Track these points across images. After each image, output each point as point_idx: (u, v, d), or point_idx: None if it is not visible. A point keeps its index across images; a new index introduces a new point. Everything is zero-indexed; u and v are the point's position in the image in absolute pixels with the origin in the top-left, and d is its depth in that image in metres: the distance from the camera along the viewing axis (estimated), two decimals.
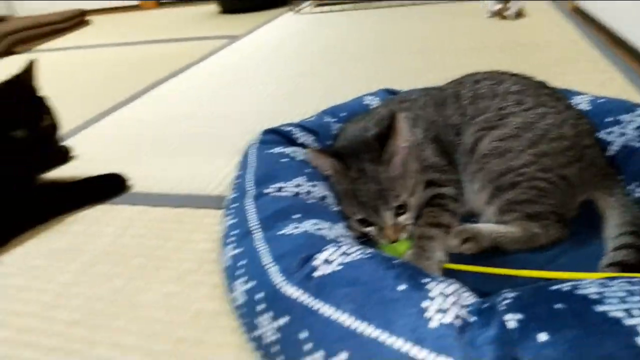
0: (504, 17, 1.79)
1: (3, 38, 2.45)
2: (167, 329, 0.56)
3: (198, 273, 0.65)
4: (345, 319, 0.38)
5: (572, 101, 0.71)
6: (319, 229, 0.50)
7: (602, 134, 0.66)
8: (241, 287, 0.47)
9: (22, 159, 0.82)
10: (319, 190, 0.60)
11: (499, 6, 1.81)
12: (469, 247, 0.58)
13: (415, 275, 0.41)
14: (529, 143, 0.59)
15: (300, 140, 0.72)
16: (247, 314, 0.46)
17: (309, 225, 0.51)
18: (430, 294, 0.38)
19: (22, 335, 0.59)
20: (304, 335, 0.39)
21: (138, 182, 0.93)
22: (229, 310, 0.56)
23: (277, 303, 0.43)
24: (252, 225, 0.53)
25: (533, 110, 0.61)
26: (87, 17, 3.17)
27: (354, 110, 0.83)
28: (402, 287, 0.39)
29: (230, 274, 0.51)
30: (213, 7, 2.98)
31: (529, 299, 0.36)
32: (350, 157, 0.59)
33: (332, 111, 0.84)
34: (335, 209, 0.60)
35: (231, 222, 0.57)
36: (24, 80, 0.86)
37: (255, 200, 0.58)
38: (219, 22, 2.64)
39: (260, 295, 0.45)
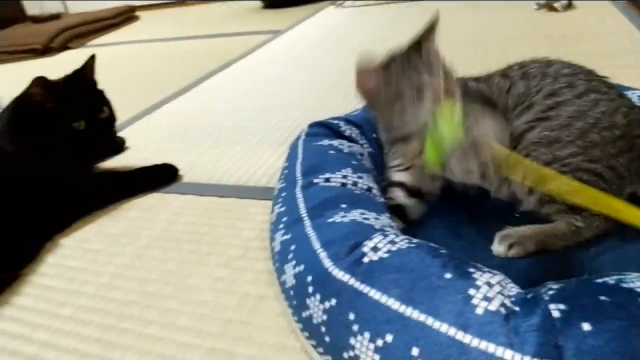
0: (553, 9, 1.73)
1: (59, 34, 2.59)
2: (215, 311, 0.60)
3: (244, 259, 0.68)
4: (392, 303, 0.40)
5: None
6: (366, 218, 0.52)
7: None
8: (291, 270, 0.50)
9: (82, 149, 0.88)
10: (365, 181, 0.62)
11: None
12: (515, 251, 0.57)
13: (461, 265, 0.42)
14: (579, 133, 0.57)
15: (347, 133, 0.74)
16: (296, 296, 0.49)
17: (356, 214, 0.52)
18: (477, 283, 0.39)
19: (79, 313, 0.63)
20: (351, 316, 0.41)
21: (188, 172, 0.97)
22: (273, 294, 0.59)
23: (326, 286, 0.45)
24: (301, 213, 0.56)
25: (586, 97, 0.59)
26: (136, 13, 3.30)
27: None
28: (448, 275, 0.40)
29: (280, 258, 0.54)
30: (256, 3, 3.03)
31: (573, 290, 0.36)
32: None
33: None
34: (381, 200, 0.62)
35: (280, 210, 0.60)
36: (84, 73, 0.91)
37: (304, 190, 0.60)
38: (262, 17, 2.68)
39: (309, 279, 0.47)
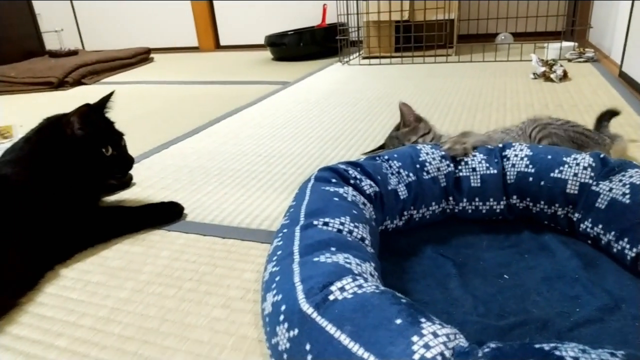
0: (549, 79, 1.83)
1: (74, 70, 2.69)
2: (212, 351, 0.60)
3: (243, 301, 0.69)
4: (344, 339, 0.44)
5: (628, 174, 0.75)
6: (349, 262, 0.56)
7: None
8: (271, 298, 0.54)
9: (107, 174, 0.94)
10: (360, 231, 0.66)
11: (544, 69, 1.85)
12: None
13: (415, 314, 0.45)
14: (563, 125, 0.98)
15: (353, 178, 0.78)
16: (270, 323, 0.53)
17: (341, 258, 0.56)
18: (423, 331, 0.42)
19: (75, 345, 0.63)
20: (307, 347, 0.46)
21: (192, 211, 1.00)
22: None
23: (293, 316, 0.49)
24: (294, 249, 0.60)
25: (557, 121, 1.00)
26: (151, 55, 3.43)
27: (405, 154, 0.85)
28: (399, 320, 0.44)
29: (266, 287, 0.57)
30: (266, 54, 3.17)
31: (508, 351, 0.39)
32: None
33: (388, 155, 0.87)
34: (370, 250, 0.65)
35: (278, 243, 0.64)
36: (104, 106, 0.97)
37: (302, 230, 0.64)
38: (271, 68, 2.80)
39: (283, 308, 0.51)
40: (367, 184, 0.78)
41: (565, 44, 2.23)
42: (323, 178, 0.77)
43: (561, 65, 1.86)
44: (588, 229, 0.73)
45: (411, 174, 0.82)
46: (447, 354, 0.40)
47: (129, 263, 0.82)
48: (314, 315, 0.47)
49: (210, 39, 3.74)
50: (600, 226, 0.71)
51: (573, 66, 2.03)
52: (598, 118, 1.07)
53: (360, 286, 0.50)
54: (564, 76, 1.82)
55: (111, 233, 0.90)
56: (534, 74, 1.90)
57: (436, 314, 0.61)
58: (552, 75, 1.82)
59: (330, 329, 0.45)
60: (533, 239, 0.78)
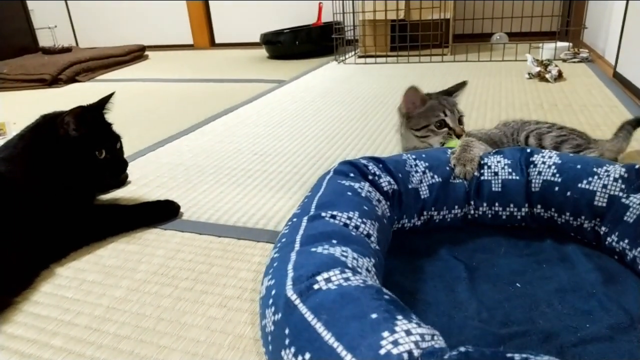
0: (544, 79, 1.84)
1: (68, 67, 2.67)
2: (208, 350, 0.60)
3: (239, 300, 0.69)
4: (319, 327, 0.45)
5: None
6: (345, 256, 0.56)
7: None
8: (266, 283, 0.56)
9: (99, 177, 0.93)
10: (367, 227, 0.66)
11: (539, 69, 1.86)
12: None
13: (394, 311, 0.45)
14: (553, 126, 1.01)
15: (372, 173, 0.78)
16: (262, 305, 0.55)
17: (338, 251, 0.57)
18: (396, 328, 0.43)
19: (71, 344, 0.63)
20: (287, 331, 0.48)
21: (188, 209, 1.00)
22: None
23: (280, 301, 0.51)
24: (297, 238, 0.61)
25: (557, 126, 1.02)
26: (146, 52, 3.41)
27: (434, 156, 0.85)
28: (374, 315, 0.45)
29: (265, 271, 0.60)
30: (261, 52, 3.16)
31: (476, 357, 0.39)
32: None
33: (416, 155, 0.86)
34: (375, 247, 0.65)
35: (284, 232, 0.66)
36: (102, 107, 0.96)
37: (310, 221, 0.65)
38: (267, 66, 2.79)
39: (273, 292, 0.53)
40: (385, 181, 0.78)
41: (560, 44, 2.24)
42: (341, 171, 0.77)
43: (556, 66, 1.87)
44: (614, 243, 0.70)
45: (436, 176, 0.81)
46: (416, 353, 0.40)
47: (125, 262, 0.82)
48: (297, 302, 0.49)
49: (205, 36, 3.73)
50: (626, 241, 0.67)
51: (568, 66, 2.04)
52: (623, 124, 1.03)
53: (347, 279, 0.50)
54: (559, 76, 1.83)
55: (106, 231, 0.90)
56: (529, 73, 1.90)
57: (437, 316, 0.61)
58: (547, 75, 1.83)
59: (309, 316, 0.47)
60: (555, 248, 0.75)
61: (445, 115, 0.94)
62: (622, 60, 1.78)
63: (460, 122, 0.96)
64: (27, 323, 0.68)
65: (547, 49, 2.23)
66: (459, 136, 0.93)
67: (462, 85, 1.03)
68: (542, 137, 0.97)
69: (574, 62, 2.14)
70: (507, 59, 2.35)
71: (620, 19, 1.82)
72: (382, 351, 0.40)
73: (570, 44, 2.26)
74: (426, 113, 0.96)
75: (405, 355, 0.40)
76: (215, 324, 0.65)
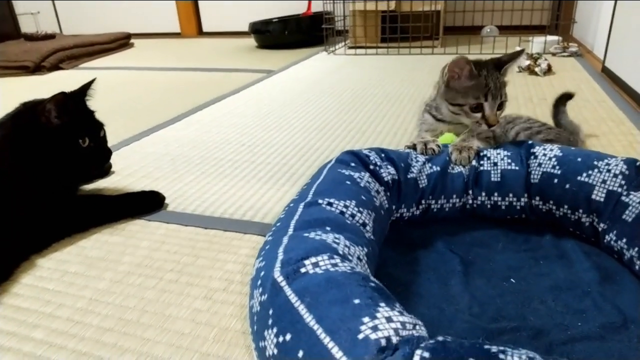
0: (534, 73, 1.84)
1: (52, 54, 2.61)
2: (193, 343, 0.59)
3: (225, 292, 0.68)
4: (302, 309, 0.46)
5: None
6: (337, 243, 0.56)
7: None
8: (257, 264, 0.57)
9: (83, 166, 0.90)
10: (363, 216, 0.66)
11: (528, 62, 1.86)
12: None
13: (378, 298, 0.45)
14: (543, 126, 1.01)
15: (374, 164, 0.78)
16: (252, 286, 0.56)
17: (330, 237, 0.57)
18: (377, 314, 0.43)
19: (52, 337, 0.61)
20: (270, 311, 0.48)
21: (173, 200, 0.98)
22: None
23: (267, 282, 0.51)
24: (291, 223, 0.62)
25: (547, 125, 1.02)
26: (131, 40, 3.35)
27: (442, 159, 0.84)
28: (357, 300, 0.45)
29: (258, 253, 0.60)
30: (250, 41, 3.13)
31: (452, 347, 0.39)
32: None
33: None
34: (370, 236, 0.65)
35: (281, 216, 0.66)
36: (84, 94, 0.93)
37: (306, 207, 0.66)
38: (255, 56, 2.76)
39: (262, 274, 0.53)
40: (386, 171, 0.78)
41: (550, 38, 2.25)
42: (343, 160, 0.78)
43: (545, 59, 1.87)
44: (612, 242, 0.69)
45: (435, 166, 0.81)
46: (395, 339, 0.40)
47: (108, 253, 0.80)
48: (283, 284, 0.49)
49: (193, 24, 3.67)
50: (624, 240, 0.66)
51: (557, 60, 2.05)
52: (554, 104, 1.10)
53: (335, 264, 0.51)
54: (548, 70, 1.84)
55: (89, 222, 0.88)
56: (519, 67, 1.90)
57: (428, 308, 0.61)
58: (536, 69, 1.83)
59: (293, 298, 0.47)
60: (554, 245, 0.74)
61: (486, 99, 0.85)
62: (611, 55, 1.79)
63: (500, 107, 0.87)
64: (7, 316, 0.66)
65: (537, 43, 2.23)
66: (490, 126, 0.85)
67: (517, 55, 0.91)
68: (532, 138, 0.96)
69: (564, 56, 2.15)
70: (497, 51, 2.34)
71: (610, 14, 1.82)
72: (361, 335, 0.40)
73: (560, 38, 2.27)
74: (467, 90, 0.86)
75: (383, 341, 0.40)
76: (201, 316, 0.64)
